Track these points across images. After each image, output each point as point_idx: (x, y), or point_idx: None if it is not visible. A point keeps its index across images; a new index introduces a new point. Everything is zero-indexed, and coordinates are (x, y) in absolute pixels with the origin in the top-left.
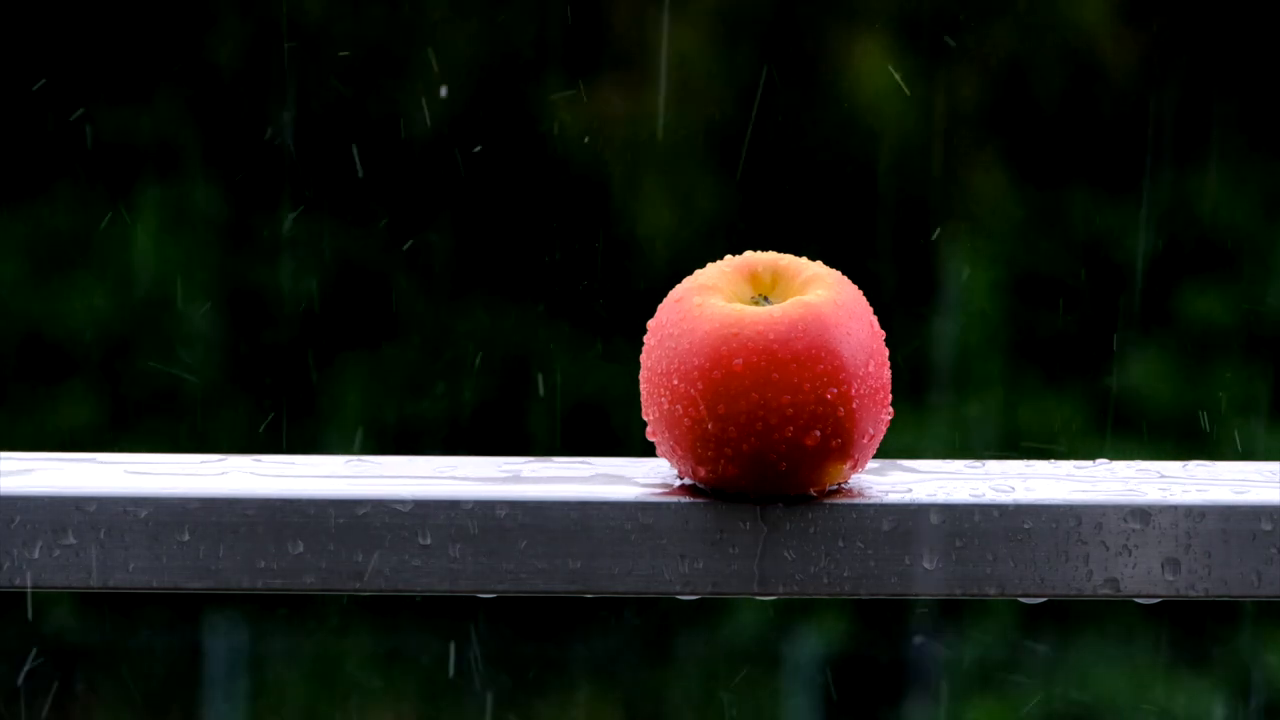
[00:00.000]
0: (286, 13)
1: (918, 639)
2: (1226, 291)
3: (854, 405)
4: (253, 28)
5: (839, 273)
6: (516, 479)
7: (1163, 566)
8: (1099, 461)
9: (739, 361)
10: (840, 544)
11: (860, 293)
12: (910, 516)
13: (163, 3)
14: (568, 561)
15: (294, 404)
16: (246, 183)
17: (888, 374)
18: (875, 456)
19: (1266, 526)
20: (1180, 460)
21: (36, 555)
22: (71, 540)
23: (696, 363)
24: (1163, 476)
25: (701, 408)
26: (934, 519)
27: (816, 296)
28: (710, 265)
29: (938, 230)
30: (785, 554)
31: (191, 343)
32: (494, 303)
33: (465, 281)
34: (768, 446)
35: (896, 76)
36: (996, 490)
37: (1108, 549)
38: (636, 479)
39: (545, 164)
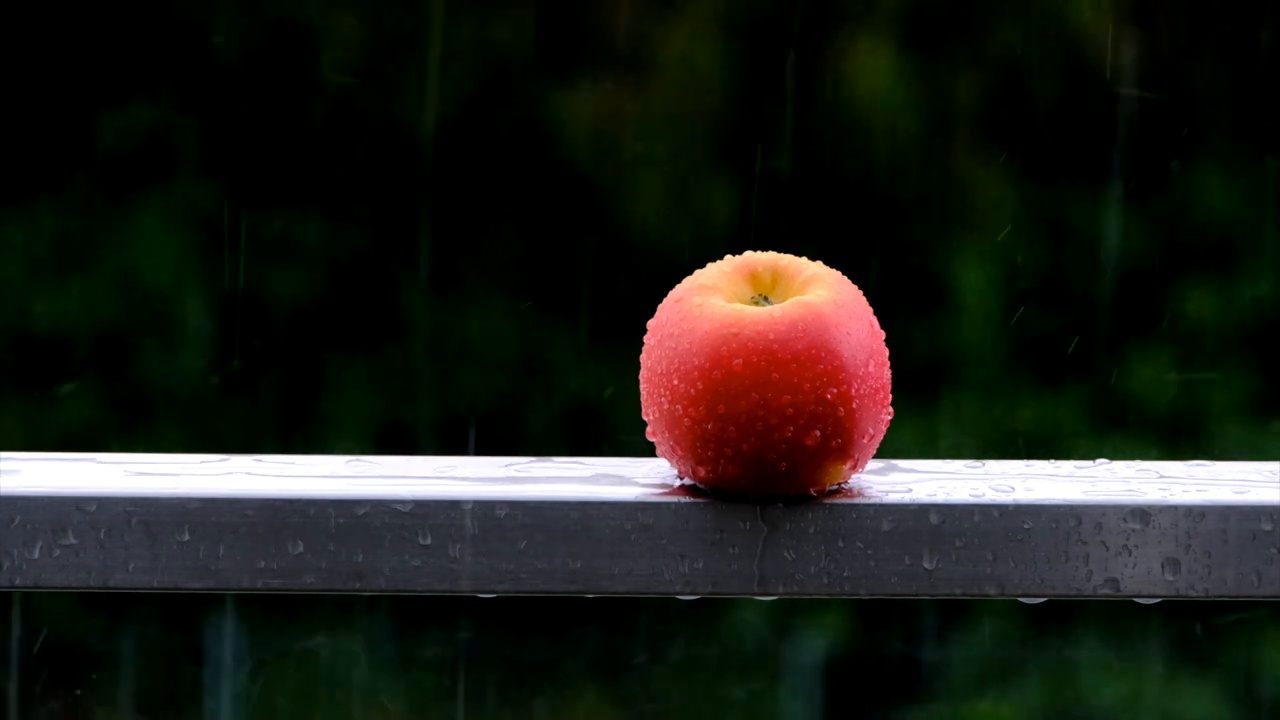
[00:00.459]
0: (287, 12)
1: (917, 639)
2: (1227, 291)
3: (854, 405)
4: (253, 26)
5: (839, 273)
6: (516, 479)
7: (1163, 566)
8: (1099, 461)
9: (739, 361)
10: (840, 544)
11: (860, 293)
12: (910, 516)
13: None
14: (568, 561)
15: (294, 404)
16: (247, 182)
17: (888, 374)
18: (875, 456)
19: (1266, 526)
20: (1180, 460)
21: (36, 555)
22: (71, 540)
23: (696, 363)
24: (1163, 476)
25: (701, 408)
26: (934, 519)
27: (816, 296)
28: (710, 265)
29: (937, 230)
30: (785, 554)
31: (191, 342)
32: (494, 303)
33: (465, 281)
34: (768, 446)
35: (896, 76)
36: (996, 490)
37: (1108, 549)
38: (636, 479)
39: (545, 164)
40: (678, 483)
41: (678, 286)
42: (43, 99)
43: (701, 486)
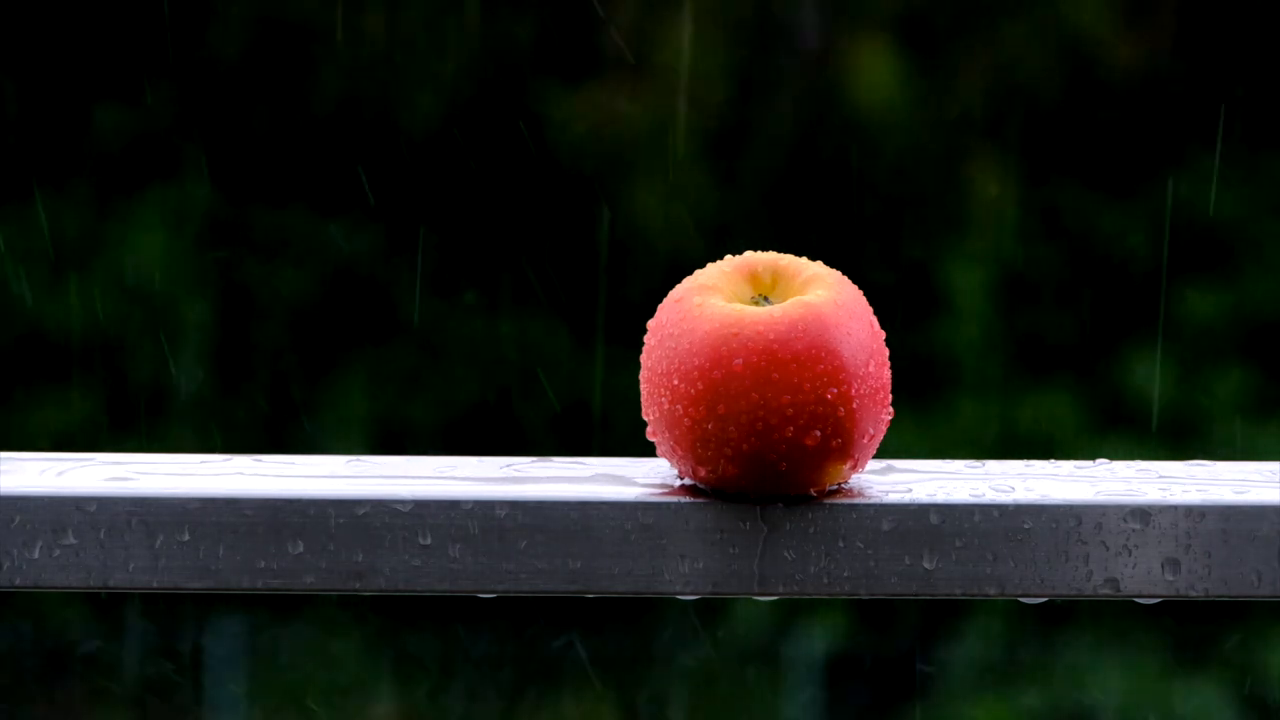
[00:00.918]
0: (286, 11)
1: (917, 639)
2: (1226, 291)
3: (854, 405)
4: (252, 25)
5: (839, 273)
6: (516, 479)
7: (1163, 566)
8: (1099, 461)
9: (739, 361)
10: (840, 544)
11: (860, 293)
12: (910, 516)
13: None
14: (568, 561)
15: (294, 404)
16: (246, 182)
17: (888, 374)
18: (875, 456)
19: (1266, 526)
20: (1180, 460)
21: (36, 555)
22: (71, 540)
23: (696, 363)
24: (1163, 476)
25: (701, 408)
26: (934, 519)
27: (816, 296)
28: (710, 265)
29: (937, 230)
30: (785, 554)
31: (191, 342)
32: (494, 303)
33: (465, 282)
34: (768, 446)
35: (897, 77)
36: (996, 490)
37: (1108, 549)
38: (636, 479)
39: (545, 164)
40: (678, 483)
41: (678, 286)
42: (42, 99)
43: (701, 486)
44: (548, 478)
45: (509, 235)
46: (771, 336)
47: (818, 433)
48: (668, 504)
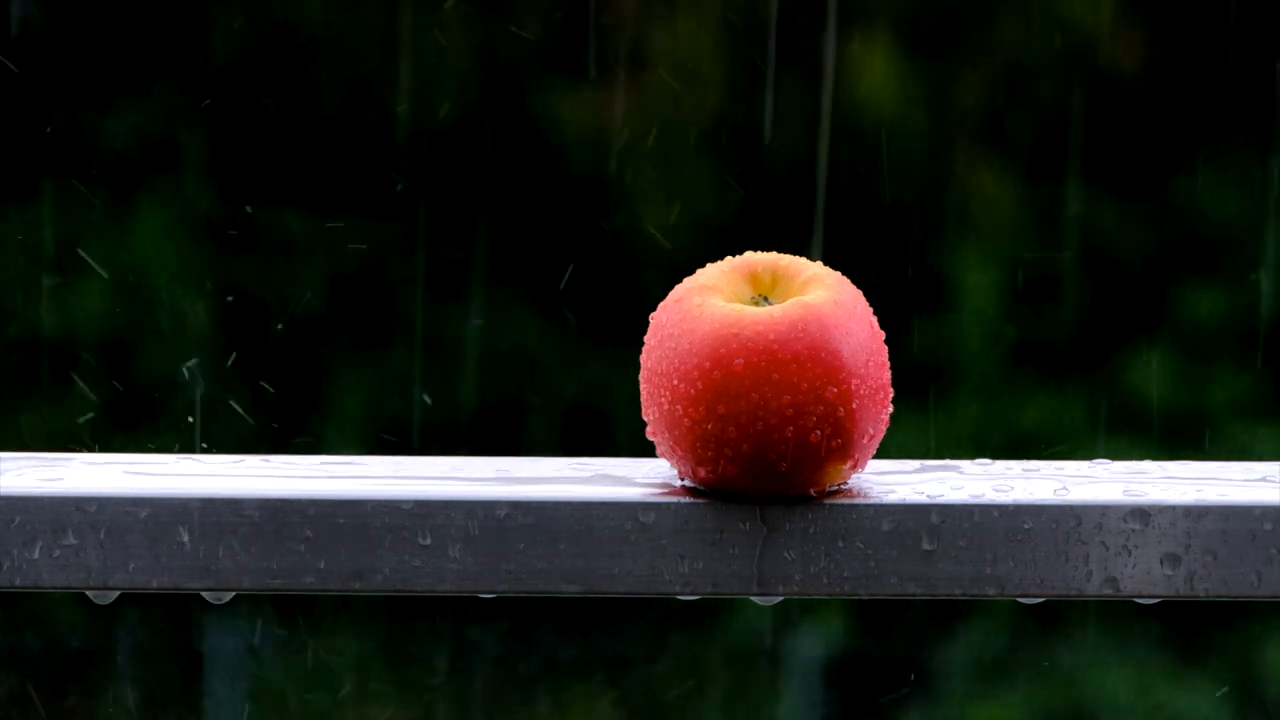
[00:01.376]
0: (286, 11)
1: (917, 639)
2: (1226, 291)
3: (854, 405)
4: (253, 26)
5: (839, 273)
6: (517, 479)
7: (1163, 566)
8: (1099, 461)
9: (739, 361)
10: (840, 544)
11: (860, 293)
12: (910, 516)
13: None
14: (568, 561)
15: (294, 404)
16: (247, 182)
17: (888, 374)
18: (875, 456)
19: (1266, 526)
20: (1180, 460)
21: (36, 555)
22: (71, 540)
23: (696, 363)
24: (1163, 477)
25: (701, 408)
26: (934, 519)
27: (816, 297)
28: (710, 265)
29: (937, 230)
30: (785, 554)
31: (191, 342)
32: (494, 303)
33: (465, 282)
34: (768, 447)
35: (897, 77)
36: (996, 490)
37: (1108, 549)
38: (636, 479)
39: (545, 164)
40: (678, 483)
41: (678, 286)
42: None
43: (701, 487)
44: (548, 478)
45: (510, 235)
46: (771, 337)
47: (818, 433)
48: (668, 504)
